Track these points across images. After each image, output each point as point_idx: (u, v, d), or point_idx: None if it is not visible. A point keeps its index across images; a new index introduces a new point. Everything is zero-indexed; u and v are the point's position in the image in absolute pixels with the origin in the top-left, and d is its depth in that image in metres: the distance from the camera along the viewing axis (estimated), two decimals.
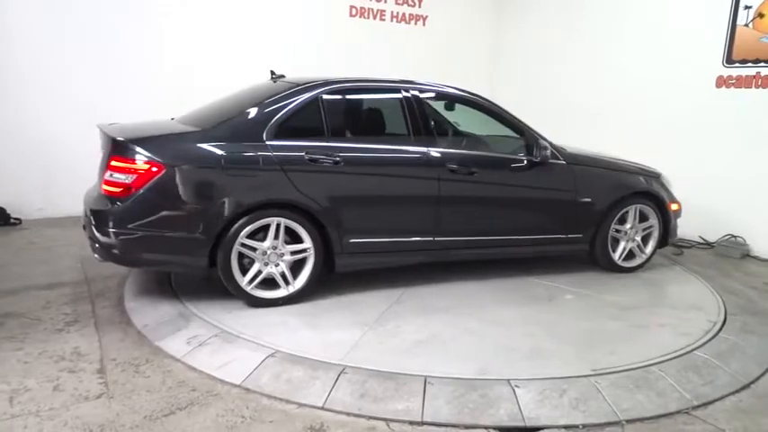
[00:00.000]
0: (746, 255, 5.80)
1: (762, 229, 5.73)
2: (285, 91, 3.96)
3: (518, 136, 4.51)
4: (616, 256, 4.82)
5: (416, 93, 4.25)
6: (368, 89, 4.42)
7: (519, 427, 2.70)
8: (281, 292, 3.82)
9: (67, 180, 5.65)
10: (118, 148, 3.58)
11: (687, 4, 6.27)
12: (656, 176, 4.97)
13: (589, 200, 4.61)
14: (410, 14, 8.01)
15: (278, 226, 3.73)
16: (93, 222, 3.61)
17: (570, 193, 4.57)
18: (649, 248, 4.94)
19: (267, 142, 3.73)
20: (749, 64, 5.75)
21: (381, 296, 4.08)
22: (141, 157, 3.51)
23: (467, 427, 2.69)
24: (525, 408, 2.79)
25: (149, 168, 3.49)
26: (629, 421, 2.78)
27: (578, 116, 7.38)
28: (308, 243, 3.81)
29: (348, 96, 4.33)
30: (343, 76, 4.31)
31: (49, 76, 5.93)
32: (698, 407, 2.93)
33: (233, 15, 6.76)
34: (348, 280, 4.21)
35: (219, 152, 3.63)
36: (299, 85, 4.00)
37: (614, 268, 4.86)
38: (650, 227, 4.89)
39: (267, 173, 3.70)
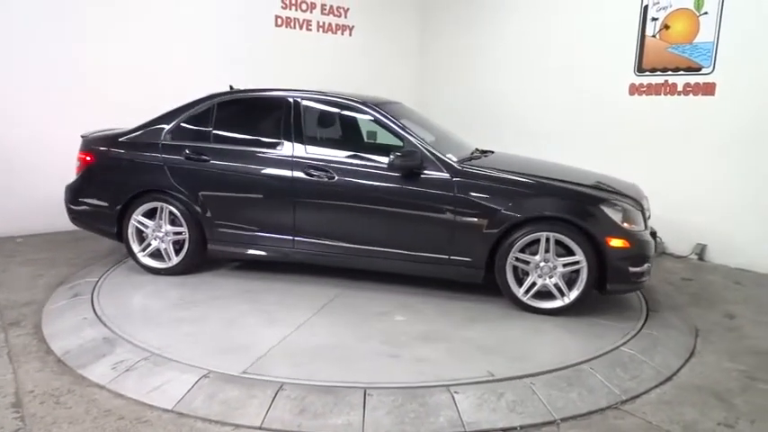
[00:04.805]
0: (663, 252, 6.14)
1: (675, 226, 6.07)
2: (193, 100, 4.70)
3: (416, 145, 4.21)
4: (520, 291, 4.02)
5: (297, 100, 4.54)
6: (256, 98, 4.77)
7: None
8: (164, 264, 4.65)
9: None
10: (81, 143, 4.85)
11: (600, 16, 6.59)
12: (595, 200, 3.96)
13: (474, 220, 4.06)
14: (336, 25, 8.02)
15: (163, 210, 4.58)
16: (64, 195, 4.90)
17: (448, 210, 4.08)
18: (574, 293, 3.93)
19: (162, 141, 4.63)
20: (658, 72, 6.11)
21: (242, 283, 4.53)
22: (85, 149, 4.81)
23: None
24: (464, 413, 2.81)
25: (85, 158, 4.77)
26: (563, 420, 2.85)
27: (502, 123, 7.61)
28: (184, 227, 4.56)
29: (237, 105, 4.78)
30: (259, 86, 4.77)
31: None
32: (626, 401, 3.05)
33: (172, 28, 6.66)
34: (252, 268, 4.82)
35: (125, 148, 4.71)
36: (205, 96, 4.70)
37: (522, 306, 4.05)
38: (575, 263, 3.92)
39: (154, 166, 4.58)
